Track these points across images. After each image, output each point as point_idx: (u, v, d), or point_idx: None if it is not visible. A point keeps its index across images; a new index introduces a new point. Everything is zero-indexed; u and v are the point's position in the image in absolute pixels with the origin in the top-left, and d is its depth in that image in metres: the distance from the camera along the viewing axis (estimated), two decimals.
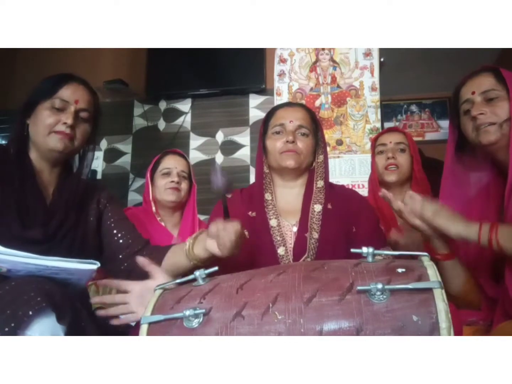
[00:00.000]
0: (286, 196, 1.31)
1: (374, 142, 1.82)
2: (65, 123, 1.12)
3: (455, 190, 1.22)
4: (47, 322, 0.79)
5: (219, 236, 1.01)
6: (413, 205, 1.06)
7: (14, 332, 0.75)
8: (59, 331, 0.80)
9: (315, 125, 1.35)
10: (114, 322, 0.98)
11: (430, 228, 1.05)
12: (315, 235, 1.19)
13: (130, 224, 1.27)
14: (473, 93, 1.13)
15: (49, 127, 1.11)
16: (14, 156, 1.11)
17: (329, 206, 1.25)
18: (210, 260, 1.09)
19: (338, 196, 1.29)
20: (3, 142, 2.91)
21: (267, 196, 1.29)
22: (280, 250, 1.19)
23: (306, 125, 1.30)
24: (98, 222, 1.21)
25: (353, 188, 2.38)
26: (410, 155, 1.74)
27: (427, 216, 1.04)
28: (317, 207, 1.24)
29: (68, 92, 1.15)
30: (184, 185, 1.85)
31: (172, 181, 1.81)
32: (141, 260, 1.04)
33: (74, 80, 1.18)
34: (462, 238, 1.01)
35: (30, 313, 0.77)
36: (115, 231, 1.22)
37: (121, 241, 1.21)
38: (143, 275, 1.18)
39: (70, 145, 1.14)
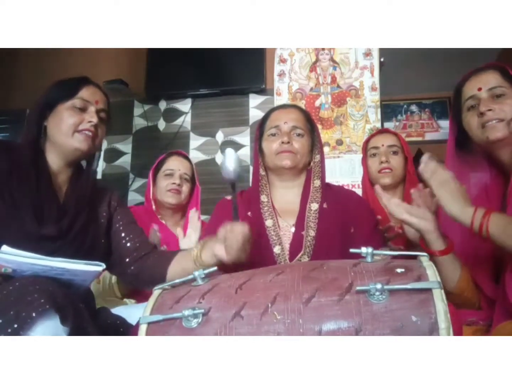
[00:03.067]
0: (285, 197, 1.32)
1: (365, 144, 1.81)
2: (90, 122, 1.13)
3: None
4: (50, 324, 0.78)
5: (227, 238, 1.01)
6: (425, 170, 1.05)
7: (17, 333, 0.75)
8: (62, 333, 0.80)
9: (310, 125, 1.36)
10: None
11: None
12: (312, 233, 1.21)
13: (138, 228, 1.27)
14: (479, 89, 1.12)
15: (74, 127, 1.12)
16: (30, 157, 1.12)
17: (325, 206, 1.26)
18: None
19: (335, 196, 1.31)
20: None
21: (263, 198, 1.31)
22: (276, 249, 1.21)
23: (301, 126, 1.32)
24: (108, 224, 1.22)
25: (353, 188, 2.38)
26: (403, 157, 1.74)
27: (433, 184, 1.02)
28: (314, 206, 1.26)
29: (88, 93, 1.16)
30: (185, 188, 1.85)
31: (174, 183, 1.81)
32: None
33: (91, 83, 1.20)
34: (455, 218, 1.00)
35: (34, 314, 0.77)
36: (123, 235, 1.22)
37: (128, 244, 1.21)
38: (149, 280, 1.18)
39: (92, 145, 1.16)
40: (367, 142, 1.81)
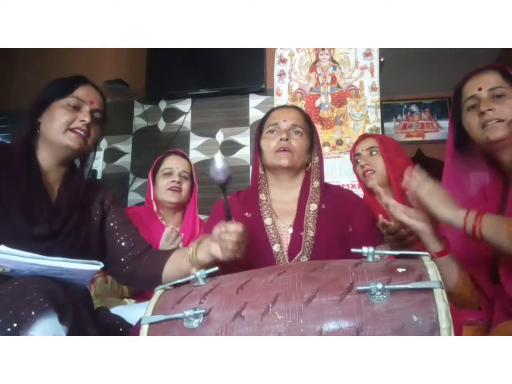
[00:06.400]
0: (282, 197, 1.32)
1: (352, 153, 1.87)
2: (82, 121, 1.13)
3: (455, 190, 1.21)
4: (50, 322, 0.78)
5: (221, 238, 1.01)
6: (411, 182, 1.06)
7: (16, 332, 0.75)
8: (61, 331, 0.80)
9: (309, 127, 1.37)
10: None
11: (421, 208, 1.04)
12: (311, 234, 1.21)
13: (133, 227, 1.27)
14: (479, 89, 1.12)
15: (66, 125, 1.12)
16: (21, 154, 1.11)
17: (323, 206, 1.27)
18: (213, 266, 1.09)
19: (333, 196, 1.31)
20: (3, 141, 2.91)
21: (262, 196, 1.31)
22: (275, 247, 1.21)
23: (300, 125, 1.33)
24: (102, 222, 1.22)
25: (353, 188, 2.38)
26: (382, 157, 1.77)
27: (421, 194, 1.03)
28: (313, 206, 1.27)
29: (83, 92, 1.17)
30: (185, 186, 1.86)
31: (173, 181, 1.82)
32: None
33: (88, 82, 1.21)
34: (449, 223, 1.00)
35: (33, 313, 0.77)
36: (117, 234, 1.22)
37: (123, 244, 1.21)
38: (145, 279, 1.18)
39: (84, 144, 1.15)
40: (353, 151, 1.87)
